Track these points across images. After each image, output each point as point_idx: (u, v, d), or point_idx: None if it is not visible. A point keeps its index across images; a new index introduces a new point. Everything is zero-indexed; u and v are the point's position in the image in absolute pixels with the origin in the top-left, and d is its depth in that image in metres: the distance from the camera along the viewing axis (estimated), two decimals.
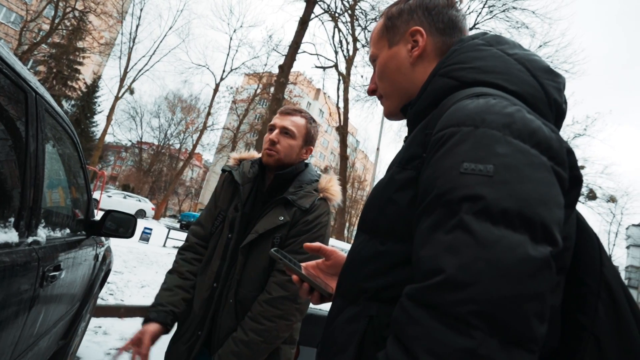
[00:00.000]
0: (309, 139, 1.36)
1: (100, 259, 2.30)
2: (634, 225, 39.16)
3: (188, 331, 1.27)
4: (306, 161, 1.40)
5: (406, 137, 0.71)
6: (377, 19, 0.80)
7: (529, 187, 0.44)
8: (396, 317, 0.45)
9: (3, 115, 1.03)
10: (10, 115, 1.06)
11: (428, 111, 0.61)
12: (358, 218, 0.77)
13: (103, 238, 2.43)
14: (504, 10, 13.68)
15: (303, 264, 0.77)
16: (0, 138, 1.02)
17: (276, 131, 1.31)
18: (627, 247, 39.76)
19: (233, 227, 1.29)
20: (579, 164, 0.55)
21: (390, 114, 0.75)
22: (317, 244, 0.77)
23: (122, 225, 2.09)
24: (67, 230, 1.60)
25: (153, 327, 1.21)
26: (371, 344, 0.53)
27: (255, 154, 1.46)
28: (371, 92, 0.77)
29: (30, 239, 1.13)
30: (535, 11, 13.63)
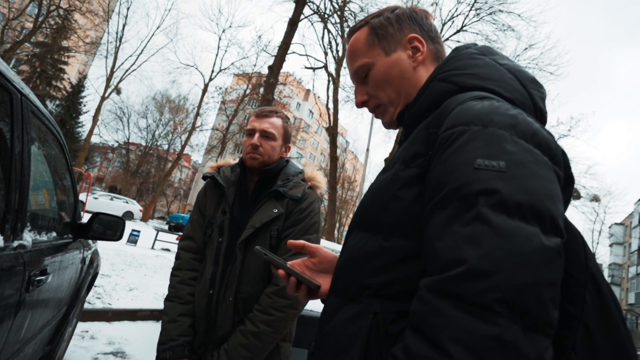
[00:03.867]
0: (287, 137, 1.41)
1: (87, 262, 2.26)
2: (616, 223, 40.23)
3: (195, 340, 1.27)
4: (286, 158, 1.44)
5: (401, 139, 0.73)
6: (348, 35, 0.79)
7: (537, 182, 0.47)
8: (416, 309, 0.46)
9: None
10: None
11: (427, 113, 0.63)
12: (350, 218, 0.77)
13: (90, 241, 2.39)
14: (490, 13, 13.92)
15: (289, 262, 0.76)
16: None
17: (257, 135, 1.33)
18: (610, 245, 40.81)
19: (222, 230, 1.29)
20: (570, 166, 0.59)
21: (393, 122, 0.74)
22: (301, 241, 0.77)
23: (110, 228, 2.06)
24: (54, 234, 1.57)
25: None
26: (376, 342, 0.53)
27: (231, 161, 1.47)
28: (362, 104, 0.76)
29: (15, 243, 1.11)
30: (520, 14, 13.98)
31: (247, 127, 1.37)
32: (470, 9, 14.08)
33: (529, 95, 0.62)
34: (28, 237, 1.21)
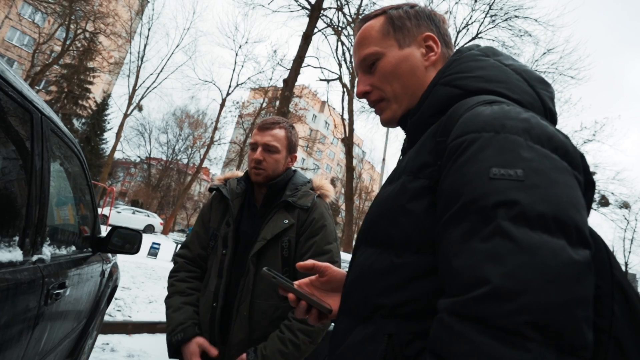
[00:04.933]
0: (292, 148, 1.38)
1: (106, 275, 2.31)
2: None
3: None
4: (293, 169, 1.43)
5: (404, 147, 0.71)
6: (359, 22, 0.74)
7: (558, 190, 0.44)
8: (437, 335, 0.42)
9: (9, 135, 1.06)
10: (16, 135, 1.08)
11: (432, 119, 0.61)
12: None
13: (109, 254, 2.44)
14: (506, 20, 13.75)
15: (296, 282, 0.73)
16: (7, 157, 1.04)
17: (259, 149, 1.31)
18: None
19: (226, 242, 1.29)
20: (590, 170, 0.55)
21: (393, 119, 0.71)
22: (310, 261, 0.73)
23: (128, 241, 2.10)
24: (73, 248, 1.61)
25: (192, 345, 1.20)
26: None
27: (239, 173, 1.48)
28: (364, 94, 0.71)
29: (35, 257, 1.15)
30: (537, 19, 13.68)
31: (251, 141, 1.36)
32: (485, 16, 13.97)
33: (537, 96, 0.59)
34: (47, 252, 1.25)
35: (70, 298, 1.52)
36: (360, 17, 12.78)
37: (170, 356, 1.25)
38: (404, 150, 0.70)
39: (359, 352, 0.54)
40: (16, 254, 1.03)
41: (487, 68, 0.61)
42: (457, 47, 0.70)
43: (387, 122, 0.72)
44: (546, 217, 0.41)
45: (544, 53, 15.43)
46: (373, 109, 0.74)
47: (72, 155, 1.67)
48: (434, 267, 0.50)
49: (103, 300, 2.32)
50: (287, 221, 1.25)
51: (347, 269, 0.75)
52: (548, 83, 0.63)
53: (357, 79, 0.74)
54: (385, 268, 0.55)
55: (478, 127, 0.49)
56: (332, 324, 0.73)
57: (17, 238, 1.04)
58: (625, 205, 20.93)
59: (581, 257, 0.40)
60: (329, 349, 0.64)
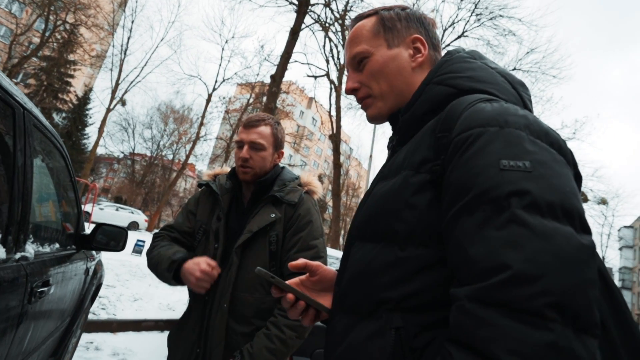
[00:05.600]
0: (278, 144, 1.38)
1: (90, 273, 2.27)
2: (625, 226, 39.65)
3: (186, 349, 1.26)
4: (281, 165, 1.44)
5: (393, 144, 0.72)
6: (353, 21, 0.77)
7: (562, 181, 0.47)
8: (459, 322, 0.43)
9: None
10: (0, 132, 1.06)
11: (426, 117, 0.63)
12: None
13: (94, 252, 2.40)
14: (491, 19, 13.96)
15: (288, 282, 0.71)
16: None
17: (245, 147, 1.31)
18: (620, 249, 40.19)
19: (218, 236, 1.29)
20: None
21: (379, 116, 0.73)
22: (302, 260, 0.71)
23: (113, 238, 2.07)
24: (57, 245, 1.59)
25: (195, 260, 1.19)
26: (401, 358, 0.51)
27: (228, 169, 1.47)
28: (352, 90, 0.74)
29: (18, 255, 1.13)
30: (521, 19, 13.98)
31: (236, 139, 1.36)
32: (471, 15, 14.15)
33: (520, 98, 0.63)
34: (31, 249, 1.23)
35: (54, 296, 1.49)
36: (347, 13, 12.80)
37: (173, 278, 1.23)
38: (394, 147, 0.72)
39: (366, 349, 0.54)
40: None
41: (476, 69, 0.64)
42: (443, 45, 0.73)
43: (373, 119, 0.74)
44: (554, 205, 0.44)
45: (528, 52, 15.76)
46: (360, 105, 0.75)
47: (55, 151, 1.63)
48: (439, 259, 0.52)
49: (87, 298, 2.28)
50: (273, 215, 1.25)
51: (336, 267, 0.76)
52: (526, 86, 0.67)
53: (346, 76, 0.76)
54: (389, 262, 0.55)
55: (483, 122, 0.51)
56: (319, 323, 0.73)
57: None
58: (603, 202, 21.62)
59: (587, 242, 0.43)
60: (325, 349, 0.64)
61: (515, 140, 0.49)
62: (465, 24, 14.44)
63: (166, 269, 1.23)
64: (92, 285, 2.36)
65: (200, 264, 1.16)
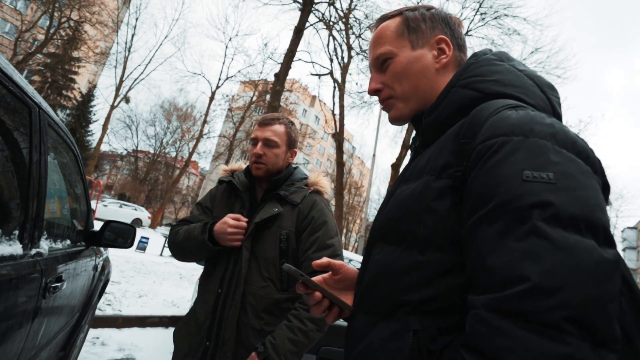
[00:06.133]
0: (291, 143, 1.43)
1: (99, 269, 2.30)
2: (629, 227, 39.48)
3: (194, 342, 1.28)
4: (294, 165, 1.47)
5: (415, 145, 0.72)
6: (377, 21, 0.77)
7: (586, 193, 0.46)
8: (475, 330, 0.44)
9: (7, 129, 1.06)
10: (15, 130, 1.08)
11: (450, 121, 0.62)
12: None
13: (102, 248, 2.43)
14: (495, 18, 13.89)
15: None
16: (5, 151, 1.04)
17: (259, 144, 1.36)
18: (623, 250, 40.00)
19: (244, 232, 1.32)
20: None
21: (400, 118, 0.72)
22: (326, 259, 0.73)
23: (121, 235, 2.10)
24: (68, 241, 1.61)
25: (222, 220, 1.29)
26: None
27: (243, 165, 1.51)
28: (374, 91, 0.73)
29: (33, 251, 1.15)
30: (526, 18, 13.89)
31: (251, 137, 1.41)
32: (476, 14, 14.09)
33: (548, 101, 0.62)
34: (45, 245, 1.25)
35: (66, 292, 1.52)
36: (351, 12, 12.76)
37: (212, 245, 1.29)
38: (416, 149, 0.71)
39: (384, 349, 0.55)
40: (16, 248, 1.04)
41: (503, 72, 0.63)
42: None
43: (394, 120, 0.74)
44: (577, 219, 0.44)
45: (532, 52, 15.65)
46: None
47: (67, 149, 1.66)
48: (458, 264, 0.52)
49: (95, 294, 2.32)
50: (276, 209, 1.29)
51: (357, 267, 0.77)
52: (555, 89, 0.66)
53: (370, 76, 0.75)
54: (408, 265, 0.56)
55: (507, 130, 0.51)
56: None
57: (16, 232, 1.05)
58: (607, 203, 21.47)
59: (611, 256, 0.43)
60: (345, 346, 0.65)
61: (539, 150, 0.48)
62: (470, 23, 14.39)
63: (200, 232, 1.31)
64: (100, 281, 2.39)
65: (228, 221, 1.27)
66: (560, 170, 0.47)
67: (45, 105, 1.26)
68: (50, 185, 1.44)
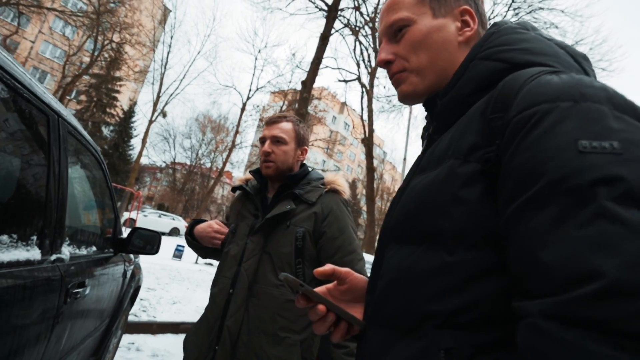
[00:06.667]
0: (301, 140, 1.40)
1: (128, 275, 2.35)
2: None
3: (204, 347, 1.24)
4: (310, 167, 1.45)
5: (429, 132, 0.64)
6: None
7: None
8: (532, 345, 0.34)
9: (27, 137, 1.08)
10: (33, 137, 1.11)
11: (472, 99, 0.54)
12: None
13: (132, 255, 2.50)
14: (530, 12, 13.28)
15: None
16: (23, 159, 1.07)
17: (267, 142, 1.35)
18: None
19: (250, 231, 1.31)
20: None
21: (413, 94, 0.63)
22: (330, 266, 0.62)
23: (148, 242, 2.13)
24: (94, 248, 1.65)
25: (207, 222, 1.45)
26: None
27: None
28: (385, 63, 0.64)
29: (53, 257, 1.17)
30: (564, 10, 13.12)
31: (260, 136, 1.40)
32: (508, 9, 13.54)
33: (584, 72, 0.53)
34: (66, 251, 1.27)
35: (91, 297, 1.55)
36: (377, 16, 12.71)
37: (191, 239, 1.47)
38: (430, 136, 0.62)
39: None
40: (34, 253, 1.05)
41: (531, 41, 0.54)
42: None
43: (405, 97, 0.64)
44: None
45: (573, 45, 14.79)
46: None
47: (91, 158, 1.71)
48: (497, 264, 0.43)
49: (126, 300, 2.37)
50: (289, 206, 1.26)
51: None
52: (589, 60, 0.57)
53: (380, 46, 0.67)
54: (434, 268, 0.47)
55: (551, 96, 0.42)
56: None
57: (34, 237, 1.06)
58: None
59: None
60: None
61: (595, 117, 0.39)
62: (502, 20, 13.84)
63: (187, 232, 1.46)
64: (130, 287, 2.45)
65: (212, 225, 1.40)
66: (625, 137, 0.38)
67: (65, 113, 1.29)
68: (73, 192, 1.48)
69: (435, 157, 0.55)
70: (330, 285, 0.64)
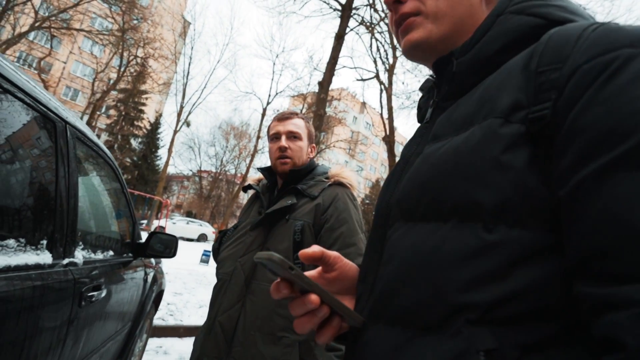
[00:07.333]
0: (311, 137, 1.40)
1: (149, 280, 2.39)
2: None
3: (207, 347, 1.22)
4: (319, 164, 1.42)
5: (438, 100, 0.55)
6: None
7: None
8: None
9: (34, 144, 1.11)
10: (41, 145, 1.13)
11: (502, 57, 0.47)
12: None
13: (153, 260, 2.54)
14: None
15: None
16: (32, 166, 1.09)
17: (283, 137, 1.32)
18: None
19: (253, 227, 1.30)
20: None
21: (425, 43, 0.54)
22: (318, 248, 0.52)
23: (167, 246, 2.16)
24: (111, 252, 1.68)
25: None
26: None
27: None
28: (396, 1, 0.55)
29: (66, 261, 1.19)
30: None
31: (271, 133, 1.37)
32: None
33: None
34: (80, 256, 1.29)
35: (109, 300, 1.57)
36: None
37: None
38: (438, 104, 0.54)
39: None
40: (44, 257, 1.07)
41: None
42: None
43: (415, 46, 0.54)
44: None
45: None
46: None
47: (103, 164, 1.74)
48: (545, 246, 0.36)
49: (148, 303, 2.41)
50: (290, 201, 1.24)
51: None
52: None
53: None
54: (470, 249, 0.38)
55: (630, 40, 0.35)
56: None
57: (44, 242, 1.08)
58: None
59: None
60: None
61: None
62: None
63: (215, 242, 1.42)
64: (152, 291, 2.49)
65: None
66: None
67: (73, 119, 1.32)
68: (87, 199, 1.51)
69: (456, 122, 0.47)
70: (313, 272, 0.54)
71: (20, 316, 0.94)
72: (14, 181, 1.01)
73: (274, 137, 1.35)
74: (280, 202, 1.25)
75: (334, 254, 0.53)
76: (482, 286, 0.36)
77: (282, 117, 1.36)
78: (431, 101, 0.57)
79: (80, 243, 1.34)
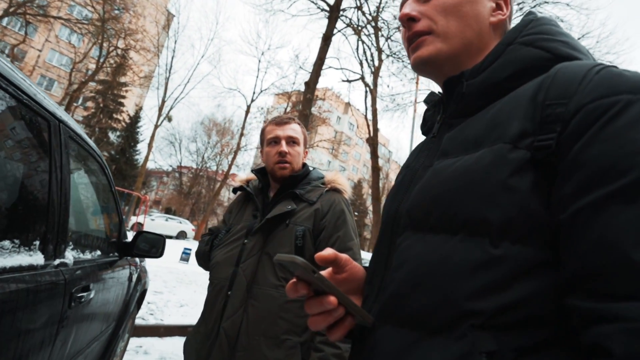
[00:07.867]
0: (306, 142, 1.44)
1: (134, 279, 2.36)
2: None
3: (202, 352, 1.23)
4: (311, 167, 1.46)
5: (446, 117, 0.59)
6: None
7: None
8: (637, 352, 0.32)
9: (28, 143, 1.09)
10: (35, 143, 1.12)
11: (510, 84, 0.52)
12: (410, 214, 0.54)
13: (137, 259, 2.51)
14: (535, 6, 13.15)
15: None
16: (24, 165, 1.07)
17: (283, 142, 1.34)
18: None
19: (250, 232, 1.30)
20: None
21: (435, 59, 0.58)
22: (332, 251, 0.55)
23: (153, 245, 2.14)
24: (98, 252, 1.66)
25: None
26: None
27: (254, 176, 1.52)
28: (409, 20, 0.60)
29: (57, 261, 1.18)
30: (569, 3, 12.98)
31: (270, 136, 1.37)
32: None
33: None
34: (70, 256, 1.28)
35: (96, 301, 1.55)
36: (379, 15, 12.68)
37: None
38: (446, 120, 0.58)
39: None
40: (37, 258, 1.06)
41: (566, 35, 0.53)
42: None
43: (426, 61, 0.59)
44: None
45: (579, 38, 14.59)
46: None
47: (94, 163, 1.72)
48: (543, 262, 0.41)
49: (132, 303, 2.38)
50: (290, 207, 1.25)
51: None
52: None
53: (404, 3, 0.63)
54: (477, 261, 0.43)
55: (630, 87, 0.41)
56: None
57: (37, 242, 1.07)
58: None
59: None
60: None
61: None
62: None
63: (205, 244, 1.41)
64: (136, 291, 2.46)
65: None
66: None
67: (66, 118, 1.30)
68: (76, 197, 1.49)
69: (466, 141, 0.51)
70: (324, 272, 0.58)
71: (13, 318, 0.93)
72: (9, 181, 1.00)
73: (273, 141, 1.35)
74: (279, 207, 1.27)
75: (345, 256, 0.57)
76: (487, 295, 0.41)
77: (281, 122, 1.38)
78: (438, 116, 0.62)
79: (70, 243, 1.32)
